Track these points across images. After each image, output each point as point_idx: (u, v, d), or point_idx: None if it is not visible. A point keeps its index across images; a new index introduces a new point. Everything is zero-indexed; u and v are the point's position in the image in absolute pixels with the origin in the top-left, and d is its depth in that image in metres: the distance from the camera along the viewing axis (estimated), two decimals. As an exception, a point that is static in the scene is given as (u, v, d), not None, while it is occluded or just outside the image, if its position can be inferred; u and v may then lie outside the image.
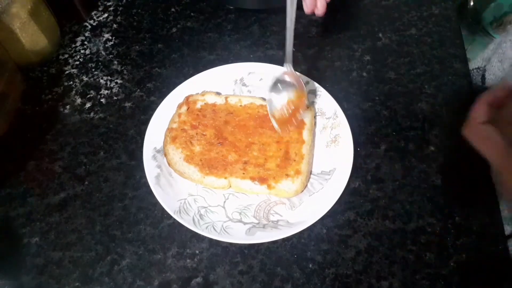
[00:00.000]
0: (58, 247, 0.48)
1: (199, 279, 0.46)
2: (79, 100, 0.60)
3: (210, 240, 0.47)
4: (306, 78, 0.56)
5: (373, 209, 0.49)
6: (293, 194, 0.48)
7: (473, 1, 1.24)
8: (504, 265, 0.45)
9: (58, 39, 0.64)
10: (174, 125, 0.53)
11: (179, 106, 0.55)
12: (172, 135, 0.52)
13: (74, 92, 0.60)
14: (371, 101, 0.57)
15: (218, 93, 0.56)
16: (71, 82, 0.61)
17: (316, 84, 0.55)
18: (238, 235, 0.44)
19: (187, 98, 0.55)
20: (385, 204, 0.49)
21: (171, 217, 0.47)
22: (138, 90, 0.60)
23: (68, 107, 0.59)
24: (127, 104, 0.59)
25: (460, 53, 0.61)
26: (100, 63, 0.63)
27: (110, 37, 0.66)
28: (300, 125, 0.52)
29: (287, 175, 0.49)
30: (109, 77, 0.62)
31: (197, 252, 0.47)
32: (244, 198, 0.50)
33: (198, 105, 0.55)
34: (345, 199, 0.49)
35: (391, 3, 0.67)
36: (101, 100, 0.59)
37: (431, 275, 0.45)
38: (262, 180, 0.49)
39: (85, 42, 0.66)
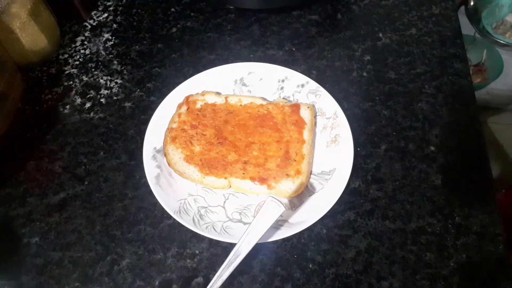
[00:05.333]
0: (58, 247, 0.48)
1: (199, 279, 0.46)
2: (79, 100, 0.60)
3: (210, 240, 0.47)
4: (306, 78, 0.56)
5: (373, 209, 0.49)
6: (293, 194, 0.48)
7: (473, 1, 1.24)
8: (504, 265, 0.45)
9: (58, 39, 0.64)
10: (174, 125, 0.53)
11: (179, 106, 0.55)
12: (172, 135, 0.52)
13: (74, 92, 0.60)
14: (371, 101, 0.57)
15: (218, 93, 0.56)
16: (71, 82, 0.61)
17: (316, 84, 0.55)
18: (238, 235, 0.44)
19: (187, 98, 0.55)
20: (385, 204, 0.49)
21: (171, 217, 0.47)
22: (138, 90, 0.60)
23: (68, 107, 0.59)
24: (127, 104, 0.59)
25: (460, 53, 0.61)
26: (100, 63, 0.63)
27: (110, 37, 0.66)
28: (301, 125, 0.52)
29: (288, 175, 0.49)
30: (109, 77, 0.62)
31: (197, 252, 0.47)
32: (244, 198, 0.50)
33: (198, 105, 0.55)
34: (345, 199, 0.49)
35: (391, 3, 0.67)
36: (101, 100, 0.59)
37: (431, 275, 0.45)
38: (262, 180, 0.49)
39: (85, 42, 0.66)
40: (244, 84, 0.57)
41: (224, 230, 0.46)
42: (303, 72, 0.57)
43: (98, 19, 0.68)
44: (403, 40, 0.63)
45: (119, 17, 0.68)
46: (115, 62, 0.63)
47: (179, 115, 0.54)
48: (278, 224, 0.46)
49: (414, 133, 0.54)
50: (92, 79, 0.62)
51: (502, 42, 1.20)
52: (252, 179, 0.49)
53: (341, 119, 0.52)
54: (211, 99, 0.55)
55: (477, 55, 1.29)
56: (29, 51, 0.59)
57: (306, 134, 0.51)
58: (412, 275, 0.45)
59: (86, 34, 0.67)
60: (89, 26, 0.67)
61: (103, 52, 0.64)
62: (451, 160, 0.52)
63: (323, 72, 0.60)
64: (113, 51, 0.64)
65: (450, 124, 0.55)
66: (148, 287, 0.45)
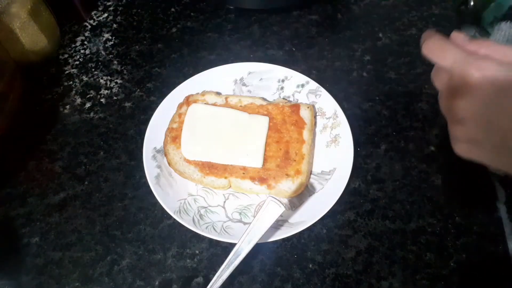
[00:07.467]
0: (58, 247, 0.48)
1: (199, 279, 0.46)
2: (79, 100, 0.60)
3: (210, 240, 0.47)
4: (306, 78, 0.56)
5: (373, 209, 0.49)
6: (293, 194, 0.48)
7: (473, 1, 1.24)
8: (504, 265, 0.45)
9: (58, 39, 0.64)
10: (174, 125, 0.53)
11: (179, 106, 0.54)
12: (172, 135, 0.52)
13: (74, 92, 0.60)
14: (371, 101, 0.57)
15: (218, 93, 0.56)
16: (71, 82, 0.61)
17: (316, 84, 0.55)
18: (238, 235, 0.44)
19: (187, 98, 0.55)
20: (385, 204, 0.49)
21: (171, 217, 0.47)
22: (138, 90, 0.60)
23: (68, 107, 0.59)
24: (127, 104, 0.59)
25: (460, 53, 0.61)
26: (100, 63, 0.63)
27: (110, 37, 0.66)
28: (300, 125, 0.52)
29: (287, 175, 0.49)
30: (109, 77, 0.62)
31: (197, 252, 0.47)
32: (244, 198, 0.50)
33: (198, 105, 0.54)
34: (345, 199, 0.49)
35: (391, 3, 0.67)
36: (101, 100, 0.59)
37: (431, 275, 0.45)
38: (262, 180, 0.49)
39: (85, 42, 0.66)
40: (244, 84, 0.57)
41: (224, 230, 0.46)
42: (303, 72, 0.57)
43: (98, 19, 0.68)
44: (403, 40, 0.63)
45: (119, 17, 0.68)
46: (115, 62, 0.63)
47: (179, 115, 0.54)
48: (278, 224, 0.46)
49: (414, 133, 0.54)
50: (92, 79, 0.62)
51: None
52: (252, 179, 0.49)
53: (341, 119, 0.52)
54: (211, 99, 0.55)
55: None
56: (29, 51, 0.59)
57: (306, 134, 0.51)
58: (412, 275, 0.45)
59: (86, 34, 0.67)
60: (89, 26, 0.67)
61: (103, 52, 0.64)
62: (451, 160, 0.52)
63: (323, 72, 0.60)
64: (113, 51, 0.64)
65: (450, 124, 0.55)
66: (148, 287, 0.45)
